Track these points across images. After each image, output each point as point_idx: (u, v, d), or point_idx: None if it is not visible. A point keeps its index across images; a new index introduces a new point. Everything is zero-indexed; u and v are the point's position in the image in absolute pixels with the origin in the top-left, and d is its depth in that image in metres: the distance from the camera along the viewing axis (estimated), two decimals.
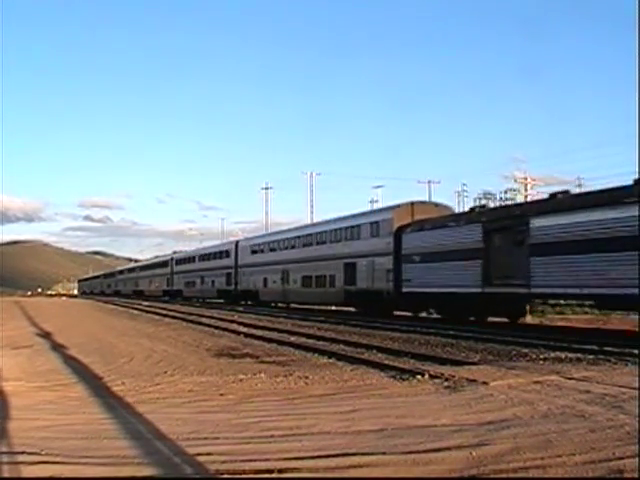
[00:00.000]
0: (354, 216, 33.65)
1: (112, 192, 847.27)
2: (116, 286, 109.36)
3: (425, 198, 48.07)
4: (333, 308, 37.21)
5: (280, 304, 43.59)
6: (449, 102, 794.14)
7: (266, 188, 73.82)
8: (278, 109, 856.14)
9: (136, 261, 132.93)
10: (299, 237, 39.90)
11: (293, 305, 41.57)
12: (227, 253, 53.45)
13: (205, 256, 61.06)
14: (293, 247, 40.30)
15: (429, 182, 63.93)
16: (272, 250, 43.87)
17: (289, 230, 44.27)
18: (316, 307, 37.87)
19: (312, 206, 63.78)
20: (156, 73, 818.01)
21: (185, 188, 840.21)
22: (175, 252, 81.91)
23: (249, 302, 48.20)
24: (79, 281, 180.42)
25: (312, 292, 36.03)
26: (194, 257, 65.07)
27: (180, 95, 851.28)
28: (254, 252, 47.46)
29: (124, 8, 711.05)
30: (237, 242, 53.98)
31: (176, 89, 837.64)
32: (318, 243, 36.23)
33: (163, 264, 76.48)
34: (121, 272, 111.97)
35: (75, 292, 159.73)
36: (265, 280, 44.19)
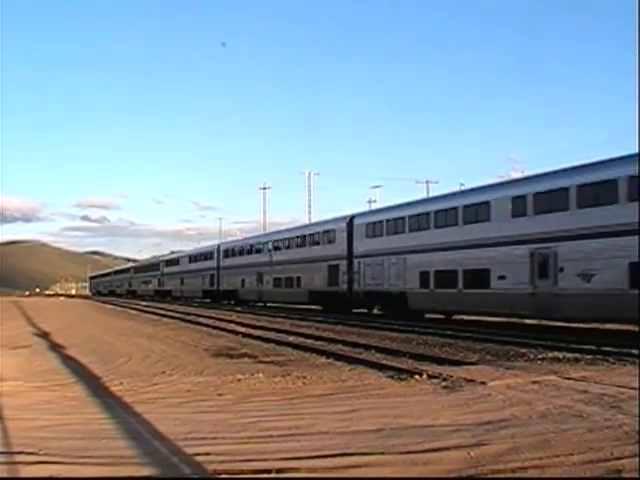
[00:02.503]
0: None
1: (109, 192, 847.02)
2: (161, 284, 72.72)
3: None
4: None
5: None
6: (447, 102, 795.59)
7: (264, 188, 73.53)
8: (276, 109, 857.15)
9: (135, 261, 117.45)
10: None
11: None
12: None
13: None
14: None
15: (427, 182, 63.74)
16: None
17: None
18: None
19: (310, 206, 63.46)
20: (153, 72, 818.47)
21: (182, 188, 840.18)
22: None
23: None
24: (91, 278, 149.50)
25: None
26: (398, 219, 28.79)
27: (177, 95, 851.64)
28: None
29: (123, 6, 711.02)
30: None
31: (173, 88, 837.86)
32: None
33: (302, 240, 39.48)
34: (172, 262, 71.70)
35: (73, 292, 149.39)
36: None
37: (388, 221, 28.90)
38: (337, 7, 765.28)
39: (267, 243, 44.73)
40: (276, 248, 42.72)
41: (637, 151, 16.11)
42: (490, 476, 4.79)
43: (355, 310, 31.78)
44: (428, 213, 25.96)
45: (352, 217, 32.78)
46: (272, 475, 4.87)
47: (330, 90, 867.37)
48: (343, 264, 32.18)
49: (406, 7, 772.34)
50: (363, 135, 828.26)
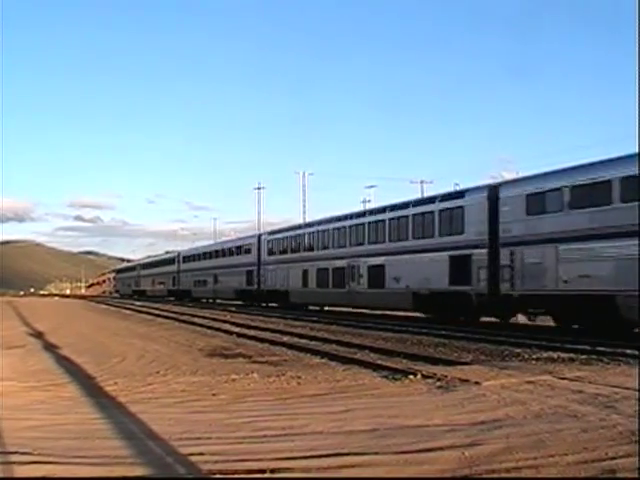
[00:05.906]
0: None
1: (102, 192, 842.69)
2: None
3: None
4: None
5: None
6: (440, 103, 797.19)
7: (258, 188, 73.70)
8: (270, 109, 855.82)
9: (128, 261, 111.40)
10: None
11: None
12: None
13: None
14: None
15: (421, 182, 63.75)
16: None
17: None
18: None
19: (304, 206, 63.70)
20: (146, 73, 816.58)
21: (175, 188, 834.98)
22: None
23: None
24: (117, 272, 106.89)
25: None
26: None
27: (170, 95, 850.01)
28: None
29: (116, 9, 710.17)
30: None
31: (166, 89, 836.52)
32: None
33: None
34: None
35: (68, 292, 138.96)
36: None
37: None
38: (331, 9, 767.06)
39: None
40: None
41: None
42: (484, 476, 4.79)
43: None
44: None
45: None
46: (266, 475, 4.86)
47: (324, 90, 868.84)
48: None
49: (399, 9, 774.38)
50: (357, 135, 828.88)
